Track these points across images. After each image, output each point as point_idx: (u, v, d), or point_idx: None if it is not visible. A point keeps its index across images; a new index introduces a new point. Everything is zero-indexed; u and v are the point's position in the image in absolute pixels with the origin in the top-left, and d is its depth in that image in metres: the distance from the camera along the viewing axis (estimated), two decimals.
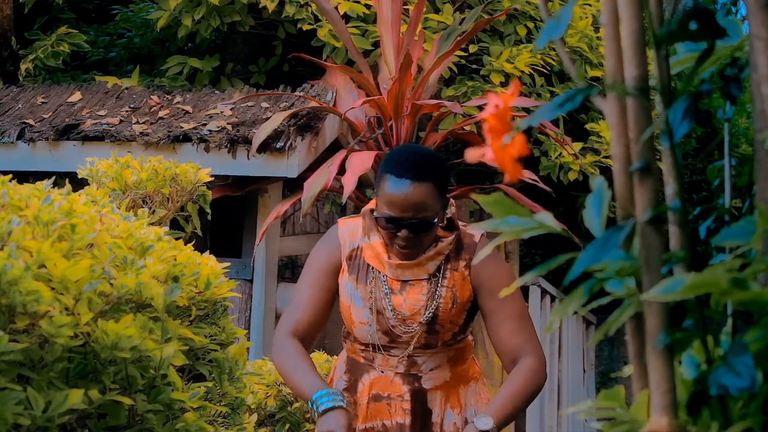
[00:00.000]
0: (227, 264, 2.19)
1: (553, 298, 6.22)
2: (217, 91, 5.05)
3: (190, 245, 2.08)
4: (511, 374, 2.17)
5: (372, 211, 2.21)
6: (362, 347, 2.26)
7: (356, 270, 2.23)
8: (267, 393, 2.88)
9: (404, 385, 2.21)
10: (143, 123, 4.66)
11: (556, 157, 5.57)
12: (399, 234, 2.11)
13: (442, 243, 2.19)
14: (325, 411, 2.00)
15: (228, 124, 4.53)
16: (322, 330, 2.30)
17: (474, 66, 5.50)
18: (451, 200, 2.23)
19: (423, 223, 2.10)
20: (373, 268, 2.21)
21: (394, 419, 2.20)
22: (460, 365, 2.28)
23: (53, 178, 2.13)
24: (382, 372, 2.23)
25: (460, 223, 2.25)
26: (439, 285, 2.19)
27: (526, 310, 2.27)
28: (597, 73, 5.72)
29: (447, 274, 2.20)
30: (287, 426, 2.88)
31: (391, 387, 2.22)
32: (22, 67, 5.46)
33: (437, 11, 5.45)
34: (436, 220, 2.12)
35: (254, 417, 2.39)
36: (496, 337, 2.20)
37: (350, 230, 2.27)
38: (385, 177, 2.11)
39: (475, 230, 2.24)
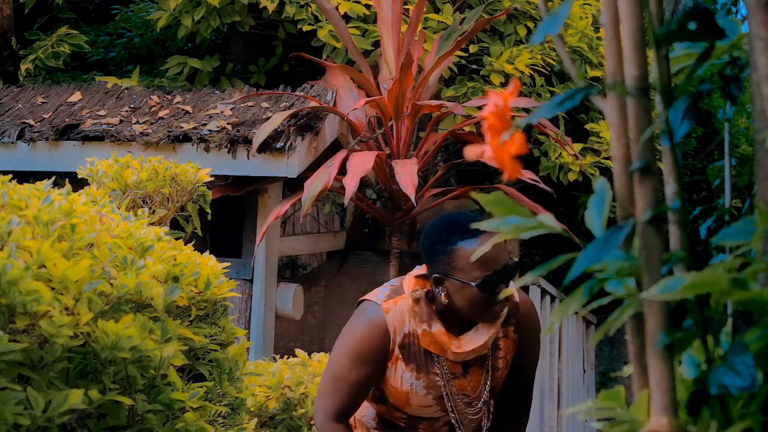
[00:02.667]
0: (227, 264, 2.19)
1: (553, 298, 6.22)
2: (217, 91, 5.05)
3: (190, 245, 2.08)
4: (508, 410, 2.29)
5: (426, 295, 2.11)
6: (407, 416, 2.22)
7: (413, 358, 2.12)
8: (268, 395, 2.88)
9: None
10: (143, 123, 4.66)
11: (556, 158, 5.57)
12: (497, 291, 2.02)
13: (500, 324, 2.12)
14: None
15: (228, 124, 4.53)
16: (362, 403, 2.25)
17: (474, 66, 5.51)
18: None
19: (515, 269, 2.05)
20: (432, 356, 2.13)
21: None
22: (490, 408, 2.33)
23: (53, 178, 2.13)
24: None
25: None
26: (495, 358, 2.18)
27: (535, 372, 2.30)
28: (597, 73, 5.73)
29: (500, 344, 2.17)
30: (287, 431, 2.87)
31: None
32: (23, 67, 5.46)
33: (437, 11, 5.45)
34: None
35: (254, 421, 2.39)
36: (503, 386, 2.25)
37: (398, 315, 2.12)
38: (462, 246, 2.01)
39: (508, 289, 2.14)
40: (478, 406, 2.18)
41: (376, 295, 2.17)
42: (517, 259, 2.10)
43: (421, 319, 2.10)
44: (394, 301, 2.14)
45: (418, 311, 2.10)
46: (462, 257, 2.00)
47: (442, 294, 2.06)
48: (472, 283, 2.00)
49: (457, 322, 2.11)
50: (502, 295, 2.03)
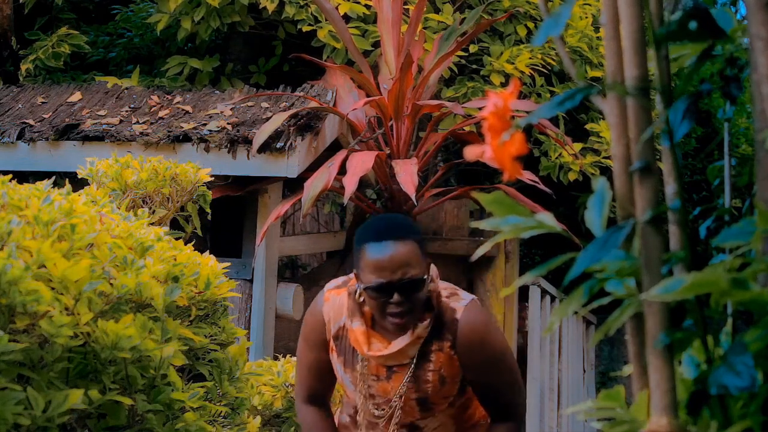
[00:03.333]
0: (227, 264, 2.19)
1: (553, 298, 6.22)
2: (217, 91, 5.05)
3: (190, 245, 2.08)
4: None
5: (355, 291, 2.12)
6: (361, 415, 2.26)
7: (343, 352, 2.17)
8: (274, 394, 2.88)
9: None
10: (143, 123, 4.66)
11: (556, 158, 5.57)
12: (392, 300, 2.01)
13: (420, 326, 2.09)
14: None
15: (228, 124, 4.53)
16: (333, 386, 2.29)
17: (474, 66, 5.51)
18: (433, 273, 2.13)
19: (413, 283, 2.01)
20: (358, 354, 2.16)
21: None
22: (464, 415, 2.28)
23: (53, 178, 2.13)
24: None
25: (442, 290, 2.15)
26: (425, 369, 2.13)
27: (514, 373, 2.21)
28: (597, 73, 5.73)
29: (432, 356, 2.12)
30: (293, 428, 2.88)
31: None
32: (23, 67, 5.46)
33: (437, 11, 5.45)
34: (425, 278, 2.04)
35: (258, 419, 2.39)
36: (483, 400, 2.22)
37: (335, 306, 2.17)
38: (365, 247, 2.04)
39: (457, 302, 2.13)
40: (384, 410, 2.16)
41: (332, 281, 2.23)
42: (424, 276, 2.06)
43: (351, 313, 2.12)
44: (338, 292, 2.18)
45: (349, 306, 2.13)
46: (363, 259, 2.04)
47: (359, 290, 2.09)
48: (363, 286, 2.03)
49: (384, 324, 2.10)
50: (405, 305, 2.01)
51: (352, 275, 2.18)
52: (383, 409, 2.17)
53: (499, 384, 2.17)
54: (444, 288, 2.16)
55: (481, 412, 2.31)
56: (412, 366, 2.12)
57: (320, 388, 2.25)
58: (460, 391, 2.19)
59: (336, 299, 2.18)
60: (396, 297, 2.01)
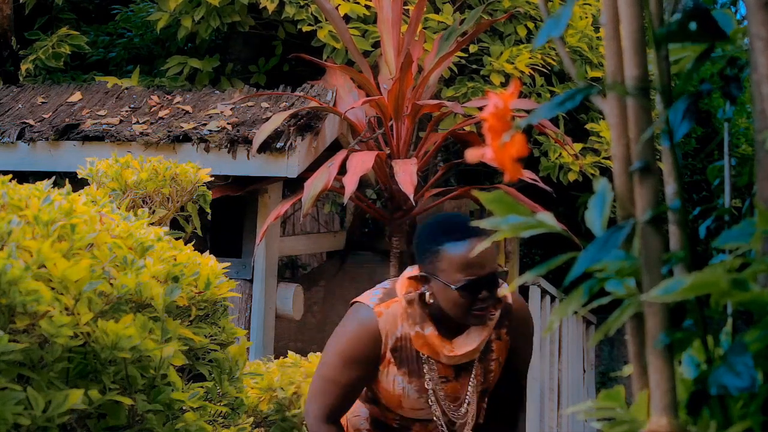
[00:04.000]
0: (227, 264, 2.19)
1: (553, 298, 6.22)
2: (217, 91, 5.05)
3: (190, 245, 2.08)
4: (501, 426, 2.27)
5: (421, 295, 2.10)
6: (400, 417, 2.22)
7: (405, 362, 2.12)
8: (260, 396, 2.87)
9: None
10: (143, 123, 4.66)
11: (556, 158, 5.57)
12: (480, 296, 2.01)
13: (491, 321, 2.11)
14: None
15: (228, 124, 4.53)
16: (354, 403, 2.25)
17: (474, 66, 5.51)
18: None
19: (497, 276, 2.04)
20: (424, 358, 2.12)
21: None
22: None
23: (53, 178, 2.13)
24: None
25: None
26: (489, 359, 2.17)
27: (527, 370, 2.31)
28: (597, 73, 5.72)
29: (493, 345, 2.17)
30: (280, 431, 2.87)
31: None
32: (23, 67, 5.46)
33: (437, 11, 5.45)
34: (503, 269, 2.15)
35: (251, 419, 2.39)
36: (497, 387, 2.25)
37: (390, 319, 2.11)
38: (447, 248, 2.01)
39: (504, 289, 2.14)
40: (464, 408, 2.17)
41: (369, 297, 2.16)
42: (506, 268, 2.10)
43: (414, 321, 2.09)
44: (387, 305, 2.13)
45: (411, 313, 2.10)
46: (446, 259, 2.01)
47: (428, 294, 2.06)
48: (453, 286, 2.00)
49: (449, 325, 2.10)
50: (490, 300, 2.02)
51: (386, 285, 2.17)
52: (456, 411, 2.17)
53: (525, 366, 2.28)
54: None
55: None
56: (479, 360, 2.16)
57: (344, 407, 2.17)
58: None
59: (388, 312, 2.12)
60: (484, 292, 2.01)
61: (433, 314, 2.10)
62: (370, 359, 2.12)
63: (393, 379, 2.13)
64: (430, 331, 2.09)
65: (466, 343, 2.10)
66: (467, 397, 2.16)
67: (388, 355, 2.12)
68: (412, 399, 2.14)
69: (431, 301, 2.07)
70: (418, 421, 2.20)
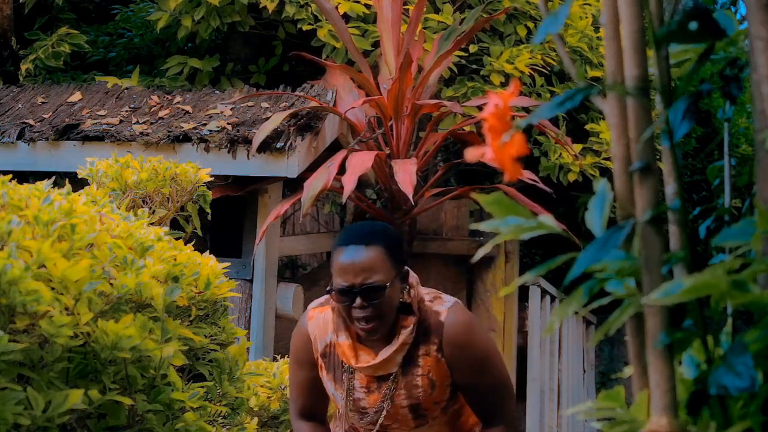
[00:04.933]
0: (227, 264, 2.19)
1: (553, 298, 6.22)
2: (217, 91, 5.05)
3: (190, 245, 2.08)
4: None
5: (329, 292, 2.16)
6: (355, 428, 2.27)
7: (332, 368, 2.19)
8: (270, 396, 2.88)
9: None
10: (143, 123, 4.66)
11: (556, 158, 5.57)
12: (355, 305, 2.03)
13: (404, 332, 2.10)
14: None
15: (228, 124, 4.53)
16: (328, 402, 2.30)
17: (474, 66, 5.51)
18: (412, 280, 2.13)
19: (374, 288, 2.02)
20: (347, 368, 2.17)
21: None
22: (458, 422, 2.28)
23: (53, 178, 2.13)
24: None
25: (425, 295, 2.16)
26: (413, 374, 2.13)
27: (502, 376, 2.20)
28: (597, 73, 5.72)
29: (420, 361, 2.13)
30: (289, 430, 2.87)
31: None
32: (23, 67, 5.46)
33: (437, 11, 5.45)
34: (388, 285, 2.04)
35: (255, 420, 2.39)
36: (471, 404, 2.22)
37: (320, 324, 2.20)
38: (337, 250, 2.08)
39: (440, 305, 2.15)
40: (369, 417, 2.16)
41: (315, 300, 2.25)
42: (387, 283, 2.06)
43: (336, 327, 2.14)
44: (321, 309, 2.20)
45: (334, 320, 2.15)
46: (333, 262, 2.08)
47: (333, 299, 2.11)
48: (328, 288, 2.07)
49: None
50: (365, 311, 2.02)
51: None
52: (373, 420, 2.17)
53: (487, 386, 2.17)
54: (426, 293, 2.17)
55: (475, 418, 2.30)
56: (398, 370, 2.13)
57: (313, 405, 2.27)
58: (451, 396, 2.19)
59: (320, 317, 2.20)
60: (358, 301, 2.02)
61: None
62: (307, 361, 2.21)
63: (326, 385, 2.21)
64: (343, 339, 2.13)
65: (380, 346, 2.12)
66: (378, 407, 2.15)
67: (319, 360, 2.20)
68: (342, 406, 2.20)
69: (334, 305, 2.12)
70: None
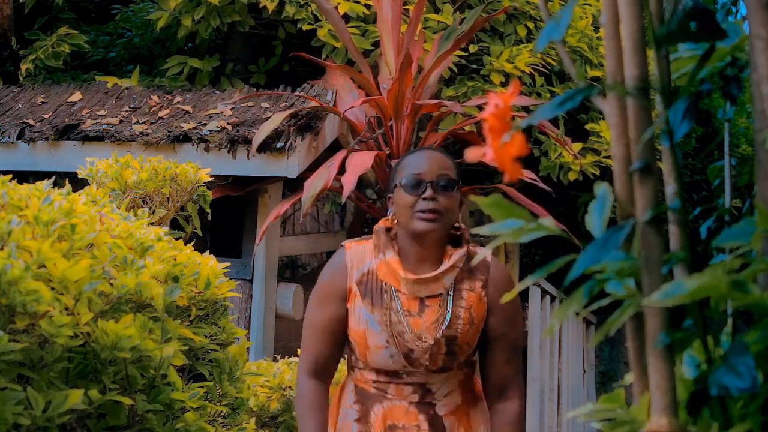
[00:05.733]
0: (227, 264, 2.19)
1: (553, 298, 6.22)
2: (217, 91, 5.05)
3: (190, 245, 2.08)
4: (503, 421, 2.21)
5: (387, 229, 2.20)
6: (374, 377, 2.22)
7: (370, 294, 2.17)
8: (270, 396, 2.88)
9: (420, 414, 2.18)
10: (143, 123, 4.66)
11: (556, 157, 5.56)
12: (425, 196, 2.11)
13: (455, 255, 2.16)
14: None
15: (228, 124, 4.53)
16: (340, 357, 2.27)
17: (474, 66, 5.50)
18: (463, 223, 2.22)
19: (448, 181, 2.14)
20: (388, 290, 2.17)
21: None
22: (468, 388, 2.27)
23: (53, 178, 2.13)
24: (397, 402, 2.19)
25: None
26: (457, 305, 2.16)
27: (521, 342, 2.28)
28: (597, 73, 5.72)
29: (464, 294, 2.17)
30: (289, 431, 2.88)
31: (406, 417, 2.18)
32: (23, 67, 5.46)
33: (437, 11, 5.45)
34: (458, 182, 2.17)
35: (253, 420, 2.39)
36: (491, 362, 2.22)
37: (359, 254, 2.22)
38: (404, 161, 2.19)
39: (482, 250, 2.22)
40: (427, 344, 2.14)
41: (348, 240, 2.32)
42: (455, 177, 2.17)
43: (378, 249, 2.19)
44: (359, 242, 2.25)
45: (377, 243, 2.20)
46: (400, 165, 2.19)
47: (391, 214, 2.20)
48: (397, 182, 2.16)
49: (410, 252, 2.17)
50: (434, 202, 2.11)
51: (369, 236, 2.27)
52: (416, 348, 2.15)
53: (514, 342, 2.23)
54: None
55: (478, 384, 2.30)
56: (446, 294, 2.17)
57: (327, 354, 2.21)
58: (475, 349, 2.23)
59: (358, 248, 2.23)
60: (429, 192, 2.11)
61: (397, 242, 2.20)
62: (336, 293, 2.20)
63: (358, 313, 2.18)
64: (391, 255, 2.17)
65: (425, 270, 2.17)
66: (435, 332, 2.15)
67: (354, 288, 2.19)
68: (375, 334, 2.16)
69: (395, 221, 2.19)
70: (392, 382, 2.19)
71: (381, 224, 2.21)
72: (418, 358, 2.16)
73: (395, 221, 2.19)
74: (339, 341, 2.22)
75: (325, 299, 2.21)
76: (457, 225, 2.19)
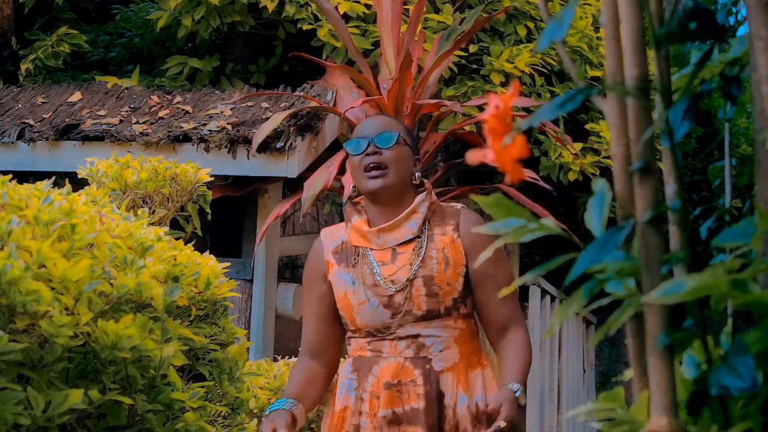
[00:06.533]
0: (227, 264, 2.19)
1: (553, 298, 6.22)
2: (217, 91, 5.05)
3: (190, 245, 2.08)
4: (510, 346, 2.24)
5: (352, 203, 2.34)
6: (367, 339, 2.25)
7: (345, 258, 2.29)
8: (270, 397, 2.88)
9: (415, 369, 2.19)
10: (143, 123, 4.66)
11: (556, 157, 5.57)
12: (368, 151, 2.22)
13: (416, 201, 2.26)
14: (268, 414, 2.13)
15: (228, 124, 4.53)
16: (340, 339, 2.32)
17: (474, 66, 5.50)
18: (427, 184, 2.32)
19: (388, 135, 2.23)
20: (360, 250, 2.27)
21: (407, 405, 2.17)
22: (467, 347, 2.26)
23: (53, 178, 2.13)
24: (392, 360, 2.21)
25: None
26: (429, 248, 2.24)
27: (513, 278, 2.30)
28: (597, 73, 5.73)
29: (436, 238, 2.25)
30: None
31: (402, 373, 2.19)
32: (23, 67, 5.46)
33: (437, 11, 5.45)
34: (400, 134, 2.24)
35: (254, 421, 2.39)
36: (486, 305, 2.26)
37: (332, 232, 2.36)
38: (353, 133, 2.33)
39: (456, 204, 2.36)
40: (400, 284, 2.21)
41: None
42: (396, 131, 2.26)
43: (348, 219, 2.31)
44: (334, 226, 2.41)
45: (346, 214, 2.33)
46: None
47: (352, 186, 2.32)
48: (345, 147, 2.29)
49: (375, 216, 2.27)
50: (375, 156, 2.21)
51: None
52: (392, 291, 2.21)
53: (503, 279, 2.26)
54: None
55: (484, 358, 2.30)
56: (415, 241, 2.24)
57: (320, 333, 2.30)
58: (462, 293, 2.24)
59: (332, 229, 2.39)
60: (371, 148, 2.23)
61: (364, 209, 2.32)
62: (317, 273, 2.31)
63: (338, 279, 2.27)
64: (356, 219, 2.29)
65: (387, 221, 2.26)
66: (410, 273, 2.21)
67: (331, 259, 2.30)
68: (355, 290, 2.23)
69: (359, 205, 2.32)
70: (386, 338, 2.22)
71: (348, 196, 2.39)
72: (400, 305, 2.20)
73: (359, 204, 2.32)
74: (330, 321, 2.30)
75: (309, 281, 2.34)
76: (416, 182, 2.29)
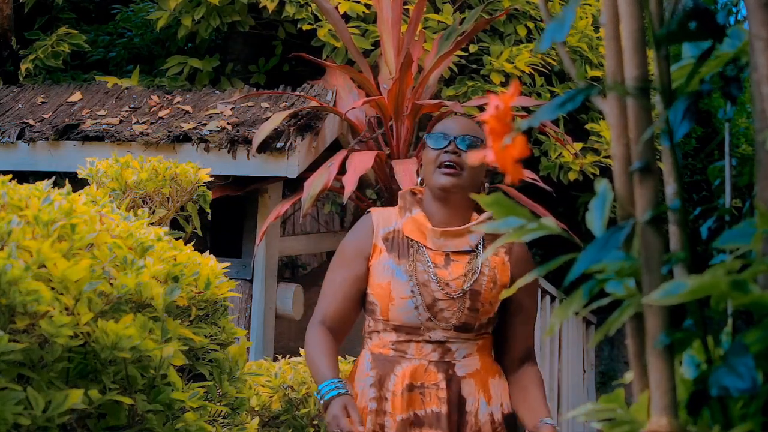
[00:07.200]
0: (227, 264, 2.19)
1: (553, 298, 6.22)
2: (217, 91, 5.05)
3: (190, 245, 2.08)
4: (531, 380, 2.29)
5: (413, 193, 2.31)
6: (394, 338, 2.23)
7: (396, 248, 2.25)
8: (271, 395, 2.88)
9: (439, 372, 2.20)
10: (143, 123, 4.66)
11: (556, 157, 5.57)
12: (448, 149, 2.19)
13: (482, 216, 2.26)
14: (329, 400, 2.08)
15: (228, 124, 4.53)
16: (354, 321, 2.31)
17: (474, 66, 5.50)
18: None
19: (472, 140, 2.21)
20: (414, 244, 2.25)
21: (429, 408, 2.17)
22: (487, 356, 2.30)
23: (53, 178, 2.13)
24: (416, 362, 2.21)
25: None
26: (482, 263, 2.25)
27: (536, 315, 2.38)
28: (597, 73, 5.72)
29: (488, 258, 2.26)
30: (290, 430, 2.87)
31: (426, 376, 2.20)
32: (22, 67, 5.46)
33: (437, 11, 5.45)
34: (483, 143, 2.21)
35: (256, 420, 2.39)
36: (513, 334, 2.31)
37: (384, 215, 2.31)
38: (435, 125, 2.29)
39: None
40: (456, 296, 2.21)
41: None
42: (480, 137, 2.24)
43: (404, 209, 2.29)
44: (383, 208, 2.38)
45: (402, 205, 2.30)
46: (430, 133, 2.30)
47: (421, 176, 2.30)
48: (425, 139, 2.26)
49: (436, 214, 2.25)
50: (456, 156, 2.19)
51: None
52: (443, 294, 2.21)
53: (533, 313, 2.33)
54: None
55: (497, 365, 2.33)
56: (473, 252, 2.25)
57: (340, 310, 2.27)
58: (495, 315, 2.27)
59: (383, 211, 2.33)
60: (452, 146, 2.20)
61: (422, 201, 2.30)
62: (359, 252, 2.27)
63: (383, 267, 2.24)
64: (417, 212, 2.26)
65: (449, 224, 2.25)
66: (463, 284, 2.22)
67: (380, 244, 2.26)
68: (401, 283, 2.21)
69: (422, 185, 2.30)
70: (413, 340, 2.21)
71: (406, 189, 2.32)
72: (442, 310, 2.20)
73: (422, 183, 2.30)
74: (353, 302, 2.28)
75: (347, 258, 2.29)
76: (484, 192, 2.29)
